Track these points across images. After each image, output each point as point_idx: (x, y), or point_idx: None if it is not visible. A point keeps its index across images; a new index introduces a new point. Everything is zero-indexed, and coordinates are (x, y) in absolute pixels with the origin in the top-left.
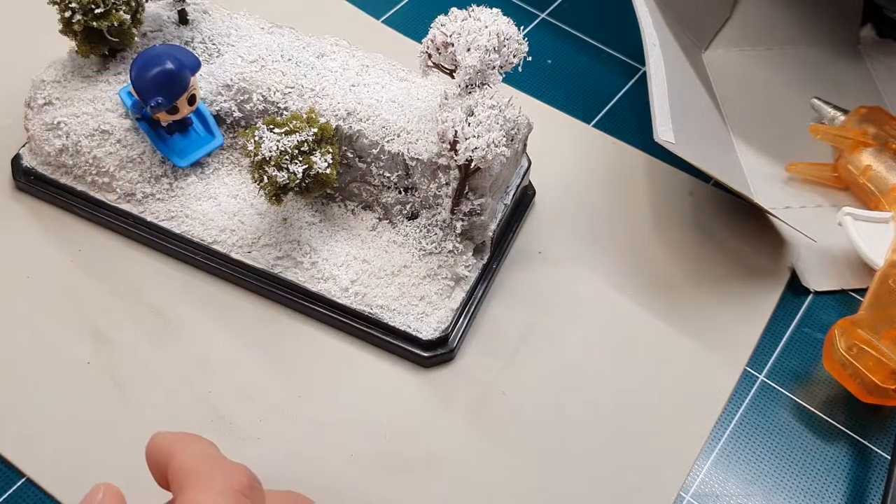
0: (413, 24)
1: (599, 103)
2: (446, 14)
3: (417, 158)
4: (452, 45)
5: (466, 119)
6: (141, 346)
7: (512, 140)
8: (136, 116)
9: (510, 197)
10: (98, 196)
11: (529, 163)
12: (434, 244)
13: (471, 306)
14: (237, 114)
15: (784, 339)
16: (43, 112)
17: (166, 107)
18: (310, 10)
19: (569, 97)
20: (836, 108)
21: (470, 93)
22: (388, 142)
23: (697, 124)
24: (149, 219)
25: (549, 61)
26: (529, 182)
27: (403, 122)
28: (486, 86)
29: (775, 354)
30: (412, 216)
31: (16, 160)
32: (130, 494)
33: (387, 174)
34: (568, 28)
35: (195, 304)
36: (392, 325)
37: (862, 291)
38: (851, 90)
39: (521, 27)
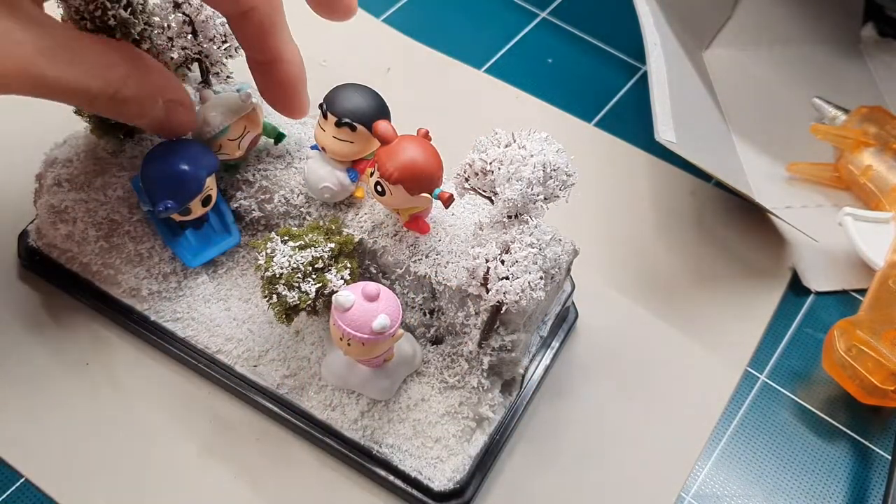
0: (413, 23)
1: (600, 102)
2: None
3: (445, 284)
4: (492, 172)
5: (501, 256)
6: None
7: (552, 279)
8: (146, 209)
9: (547, 327)
10: (103, 287)
11: (573, 287)
12: (457, 377)
13: (492, 454)
14: (257, 213)
15: (785, 339)
16: (51, 193)
17: (176, 211)
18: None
19: (570, 96)
20: (837, 107)
21: (508, 226)
22: (414, 262)
23: (698, 124)
24: (152, 318)
25: (550, 60)
26: (572, 303)
27: (434, 242)
28: (527, 219)
29: (776, 355)
30: (436, 341)
31: (22, 237)
32: (131, 495)
33: (411, 294)
34: (569, 27)
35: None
36: (402, 468)
37: (863, 291)
38: (852, 89)
39: (522, 27)
